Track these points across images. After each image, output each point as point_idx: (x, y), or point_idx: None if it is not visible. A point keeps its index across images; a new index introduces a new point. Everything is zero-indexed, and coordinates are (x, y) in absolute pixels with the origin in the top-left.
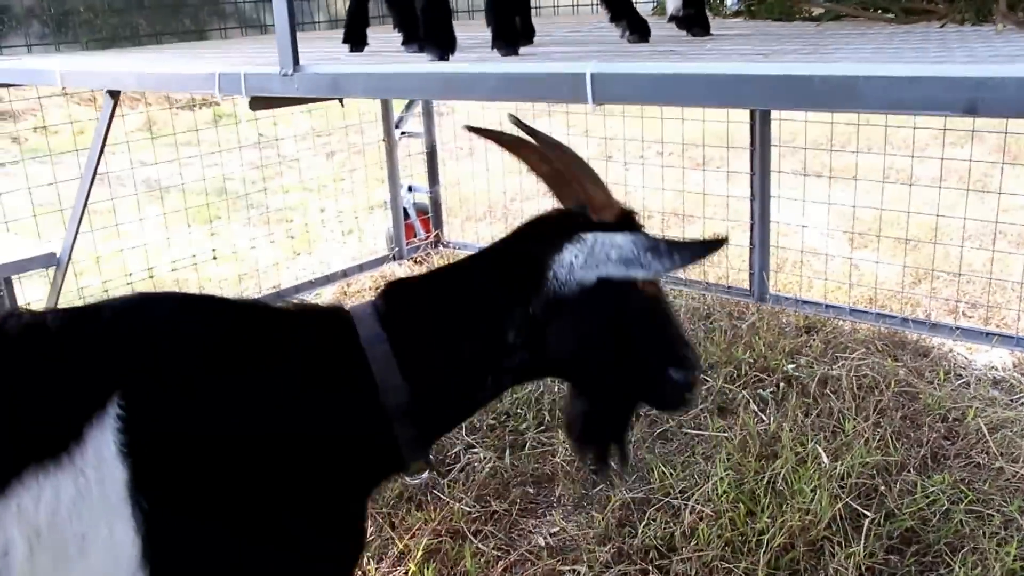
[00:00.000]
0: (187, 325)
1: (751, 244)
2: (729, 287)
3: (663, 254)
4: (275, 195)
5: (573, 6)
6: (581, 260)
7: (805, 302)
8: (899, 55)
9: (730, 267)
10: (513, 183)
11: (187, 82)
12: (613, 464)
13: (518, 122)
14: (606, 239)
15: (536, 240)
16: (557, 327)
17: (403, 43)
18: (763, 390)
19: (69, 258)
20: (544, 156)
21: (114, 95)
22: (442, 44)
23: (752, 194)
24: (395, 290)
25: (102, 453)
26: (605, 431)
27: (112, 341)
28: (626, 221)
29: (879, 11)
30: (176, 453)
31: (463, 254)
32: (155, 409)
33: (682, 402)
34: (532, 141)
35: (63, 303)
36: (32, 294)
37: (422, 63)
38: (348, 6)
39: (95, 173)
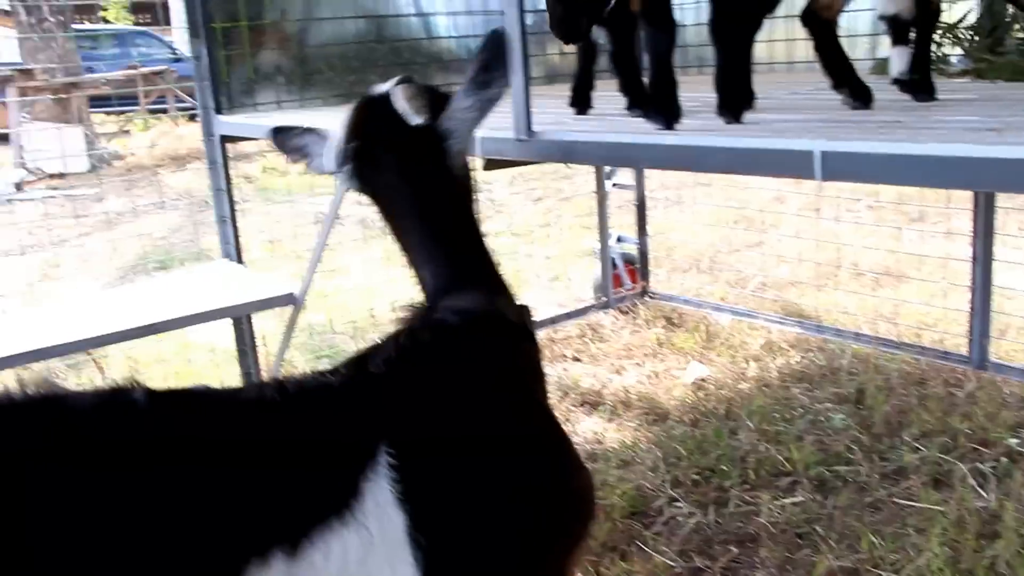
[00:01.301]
0: (440, 366)
1: (971, 308)
2: (946, 352)
3: None
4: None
5: (788, 62)
6: None
7: None
8: None
9: (947, 331)
10: (720, 234)
11: None
12: None
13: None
14: None
15: None
16: None
17: (628, 107)
18: (982, 464)
19: (305, 298)
20: None
21: None
22: (668, 114)
23: (974, 256)
24: None
25: (379, 503)
26: None
27: (368, 392)
28: None
29: None
30: (447, 488)
31: (669, 307)
32: (422, 451)
33: None
34: None
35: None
36: (264, 325)
37: (651, 133)
38: (575, 70)
39: (334, 221)
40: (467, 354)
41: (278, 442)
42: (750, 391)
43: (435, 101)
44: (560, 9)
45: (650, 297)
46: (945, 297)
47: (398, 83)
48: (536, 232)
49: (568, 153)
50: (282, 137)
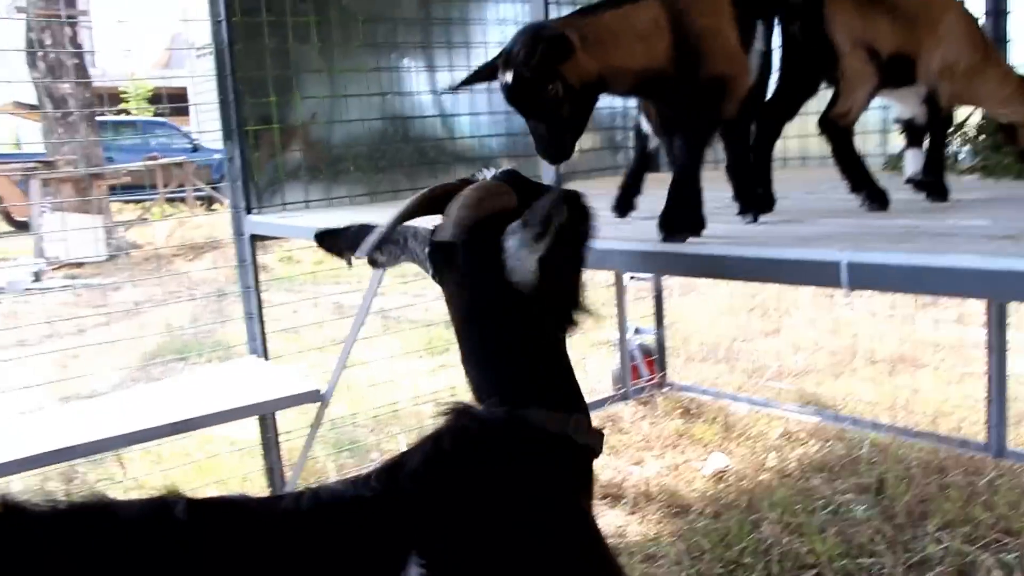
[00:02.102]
0: (464, 475)
1: (987, 397)
2: (964, 441)
3: None
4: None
5: (801, 158)
6: None
7: None
8: None
9: (964, 418)
10: (736, 322)
11: None
12: None
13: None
14: None
15: None
16: None
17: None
18: (1007, 554)
19: (331, 395)
20: None
21: None
22: (692, 228)
23: (988, 344)
24: None
25: None
26: None
27: (399, 503)
28: None
29: None
30: None
31: (687, 397)
32: (451, 560)
33: None
34: None
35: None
36: (287, 418)
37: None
38: (626, 172)
39: (366, 315)
40: (490, 462)
41: (313, 554)
42: (771, 482)
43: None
44: (543, 128)
45: (668, 388)
46: (961, 383)
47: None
48: None
49: (596, 260)
50: (331, 239)
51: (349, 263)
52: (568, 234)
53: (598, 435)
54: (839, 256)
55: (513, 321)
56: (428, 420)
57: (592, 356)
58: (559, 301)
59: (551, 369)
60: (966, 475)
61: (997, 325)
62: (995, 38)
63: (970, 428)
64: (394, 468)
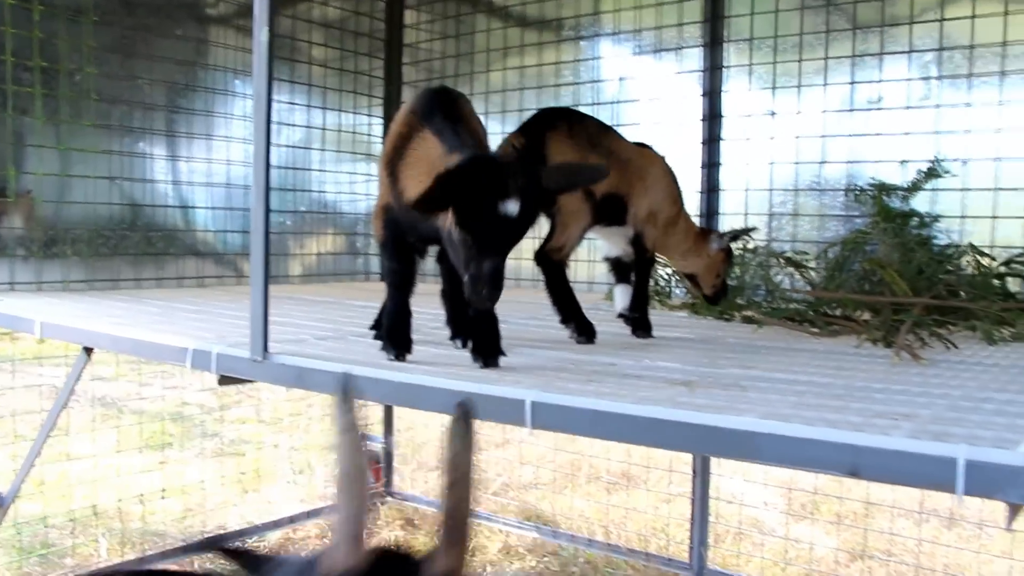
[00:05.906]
0: None
1: (691, 518)
2: (669, 559)
3: None
4: (230, 425)
5: (534, 280)
6: None
7: None
8: (803, 400)
9: (672, 538)
10: None
11: (160, 352)
12: None
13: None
14: None
15: None
16: None
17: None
18: None
19: (14, 499)
20: None
21: (88, 351)
22: (398, 345)
23: (693, 469)
24: None
25: None
26: None
27: None
28: None
29: (805, 323)
30: None
31: (411, 507)
32: None
33: None
34: None
35: None
36: None
37: (380, 366)
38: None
39: (54, 424)
40: None
41: None
42: None
43: None
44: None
45: (391, 496)
46: (671, 503)
47: None
48: (285, 421)
49: (300, 379)
50: None
51: None
52: None
53: None
54: (525, 395)
55: None
56: (134, 522)
57: (321, 458)
58: None
59: None
60: None
61: (702, 455)
62: (709, 188)
63: (676, 547)
64: None
